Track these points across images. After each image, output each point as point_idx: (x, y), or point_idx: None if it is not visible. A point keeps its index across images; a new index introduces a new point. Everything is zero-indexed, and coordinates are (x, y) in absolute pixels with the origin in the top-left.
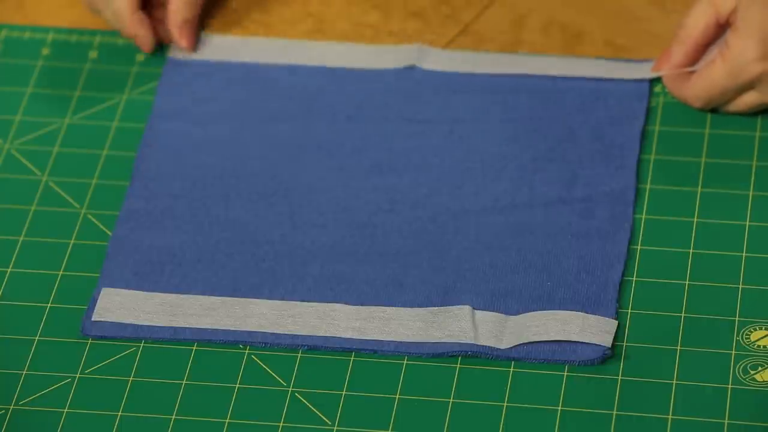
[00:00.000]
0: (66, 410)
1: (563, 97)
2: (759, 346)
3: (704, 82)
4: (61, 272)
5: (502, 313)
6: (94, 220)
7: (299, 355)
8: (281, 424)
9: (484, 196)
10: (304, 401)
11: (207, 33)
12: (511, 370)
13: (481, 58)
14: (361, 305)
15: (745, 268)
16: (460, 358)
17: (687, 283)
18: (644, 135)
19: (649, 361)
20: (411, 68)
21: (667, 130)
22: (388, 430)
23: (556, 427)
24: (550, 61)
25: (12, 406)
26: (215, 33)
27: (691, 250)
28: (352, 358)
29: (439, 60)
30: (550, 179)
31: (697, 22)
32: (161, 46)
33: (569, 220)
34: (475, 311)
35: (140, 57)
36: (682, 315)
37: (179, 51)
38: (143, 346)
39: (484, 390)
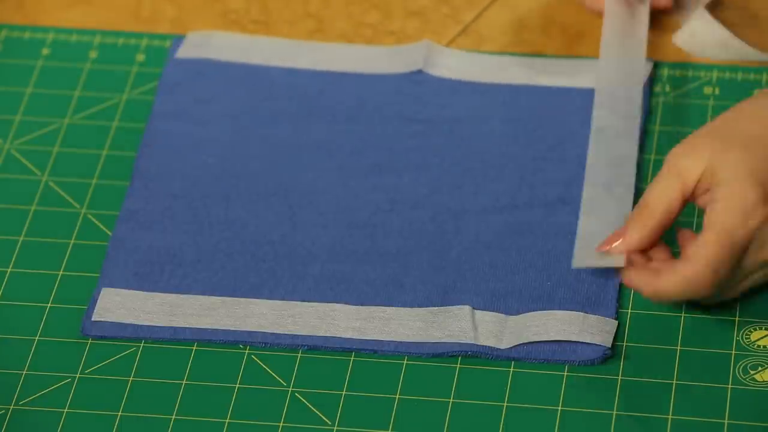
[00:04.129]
0: (66, 410)
1: (563, 97)
2: (759, 346)
3: (696, 269)
4: (61, 272)
5: (502, 313)
6: (94, 220)
7: (299, 355)
8: (281, 424)
9: (484, 196)
10: (304, 401)
11: (207, 33)
12: (511, 370)
13: (488, 61)
14: (361, 305)
15: None
16: (460, 358)
17: None
18: (644, 135)
19: (649, 361)
20: (417, 72)
21: (667, 130)
22: (388, 430)
23: (556, 427)
24: (551, 65)
25: (12, 406)
26: (215, 33)
27: None
28: (352, 358)
29: (446, 66)
30: (550, 179)
31: (661, 197)
32: (160, 46)
33: (569, 220)
34: (475, 311)
35: (140, 57)
36: (682, 315)
37: (180, 50)
38: (143, 346)
39: (484, 390)
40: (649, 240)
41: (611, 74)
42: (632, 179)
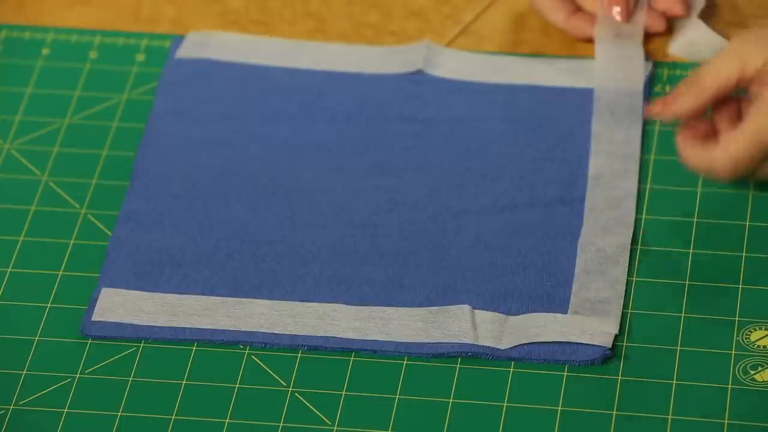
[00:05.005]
0: (66, 410)
1: (563, 97)
2: (759, 346)
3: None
4: (61, 272)
5: (502, 313)
6: (94, 220)
7: (299, 355)
8: (281, 424)
9: (484, 196)
10: (304, 401)
11: (207, 33)
12: (511, 370)
13: (488, 61)
14: (361, 305)
15: (745, 268)
16: (460, 358)
17: (687, 283)
18: (644, 135)
19: (649, 361)
20: (417, 72)
21: (667, 131)
22: (388, 430)
23: (556, 427)
24: (551, 65)
25: (12, 406)
26: (215, 33)
27: (691, 250)
28: (352, 358)
29: (446, 66)
30: (550, 179)
31: (718, 74)
32: (160, 46)
33: (569, 220)
34: (475, 311)
35: (140, 57)
36: (682, 315)
37: (180, 50)
38: (143, 346)
39: (484, 390)
40: (697, 112)
41: (607, 104)
42: (632, 217)
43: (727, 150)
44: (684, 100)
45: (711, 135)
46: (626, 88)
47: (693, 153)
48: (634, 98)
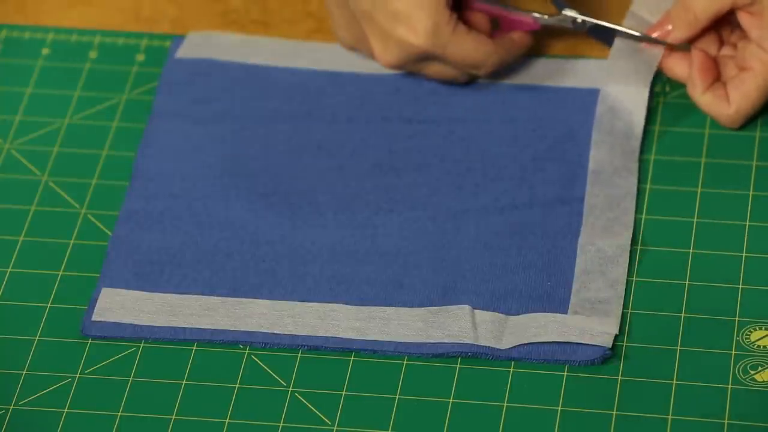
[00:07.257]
0: (66, 410)
1: (563, 97)
2: (759, 346)
3: (751, 94)
4: (61, 272)
5: (502, 313)
6: (94, 220)
7: (299, 355)
8: (281, 424)
9: (484, 196)
10: (304, 401)
11: (207, 33)
12: (511, 370)
13: None
14: (361, 305)
15: (745, 268)
16: (460, 358)
17: (687, 283)
18: (644, 135)
19: (649, 361)
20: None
21: (667, 130)
22: (388, 430)
23: (556, 427)
24: (551, 65)
25: (12, 406)
26: (215, 33)
27: (691, 250)
28: (352, 358)
29: None
30: (550, 179)
31: (710, 7)
32: (160, 46)
33: (569, 220)
34: (475, 311)
35: (140, 57)
36: (682, 315)
37: (180, 50)
38: (143, 346)
39: (484, 390)
40: (690, 40)
41: (612, 96)
42: (632, 217)
43: (739, 110)
44: (679, 32)
45: (718, 77)
46: (632, 83)
47: (706, 105)
48: (639, 92)
